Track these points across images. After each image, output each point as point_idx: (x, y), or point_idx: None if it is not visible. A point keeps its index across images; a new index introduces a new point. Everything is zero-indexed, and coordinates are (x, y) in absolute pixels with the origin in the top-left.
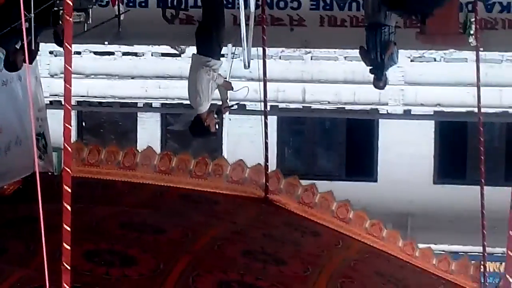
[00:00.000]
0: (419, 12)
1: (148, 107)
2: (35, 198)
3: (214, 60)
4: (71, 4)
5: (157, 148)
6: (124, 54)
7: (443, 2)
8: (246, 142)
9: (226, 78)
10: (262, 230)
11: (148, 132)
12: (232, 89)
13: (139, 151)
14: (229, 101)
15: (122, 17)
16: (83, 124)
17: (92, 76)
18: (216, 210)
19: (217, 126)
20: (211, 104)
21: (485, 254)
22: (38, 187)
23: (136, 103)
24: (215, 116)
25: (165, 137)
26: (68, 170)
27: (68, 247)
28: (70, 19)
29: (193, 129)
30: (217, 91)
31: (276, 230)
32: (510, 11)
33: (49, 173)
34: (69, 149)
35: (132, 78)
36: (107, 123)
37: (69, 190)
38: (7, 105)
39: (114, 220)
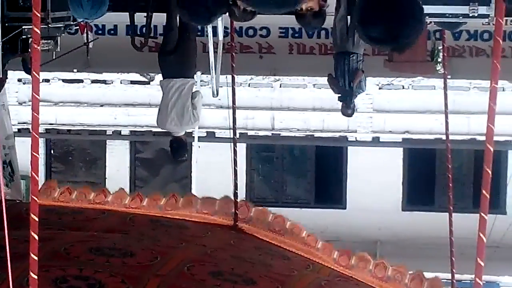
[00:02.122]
0: (399, 47)
1: (117, 135)
2: (2, 225)
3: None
4: (39, 32)
5: (126, 175)
6: (93, 81)
7: (418, 35)
8: (215, 169)
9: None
10: (231, 253)
11: (117, 160)
12: None
13: (111, 192)
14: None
15: (90, 44)
16: (52, 151)
17: (61, 103)
18: (186, 234)
19: (185, 154)
20: None
21: (454, 281)
22: (4, 214)
23: (105, 130)
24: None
25: (134, 165)
26: (35, 198)
27: (35, 276)
28: (38, 47)
29: (176, 152)
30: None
31: (246, 253)
32: (477, 39)
33: (17, 201)
34: (36, 177)
35: (101, 105)
36: (75, 151)
37: (36, 219)
38: None
39: (82, 245)
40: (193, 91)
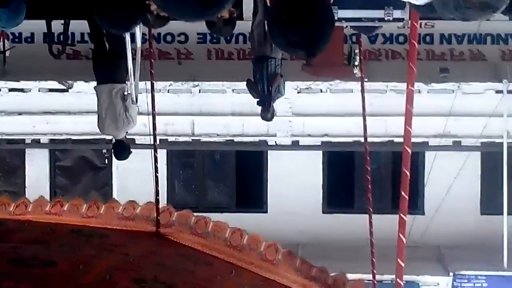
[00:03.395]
0: (314, 52)
1: (36, 143)
2: None
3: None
4: None
5: (46, 184)
6: (11, 90)
7: (327, 40)
8: (136, 176)
9: None
10: (154, 260)
11: (37, 168)
12: None
13: (31, 201)
14: None
15: (7, 53)
16: None
17: None
18: (107, 243)
19: (106, 161)
20: None
21: (375, 281)
22: None
23: (24, 139)
24: None
25: (54, 173)
26: None
27: None
28: None
29: (119, 154)
30: None
31: (169, 260)
32: (393, 42)
33: None
34: None
35: (19, 114)
36: None
37: None
38: None
39: (2, 257)
40: (125, 94)
